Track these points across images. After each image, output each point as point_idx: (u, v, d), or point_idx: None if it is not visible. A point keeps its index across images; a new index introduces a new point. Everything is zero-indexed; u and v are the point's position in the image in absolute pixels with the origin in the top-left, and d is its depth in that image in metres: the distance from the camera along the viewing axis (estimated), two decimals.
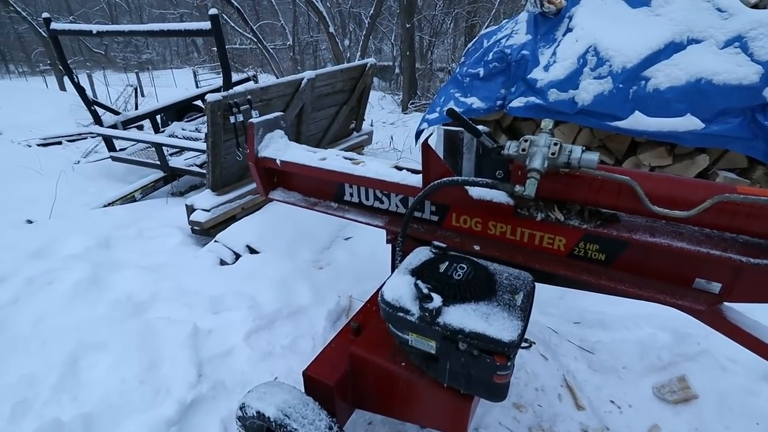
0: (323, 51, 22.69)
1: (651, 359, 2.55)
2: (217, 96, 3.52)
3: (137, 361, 2.46)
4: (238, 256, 3.52)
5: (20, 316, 2.82)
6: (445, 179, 1.90)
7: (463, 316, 1.48)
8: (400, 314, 1.57)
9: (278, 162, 2.56)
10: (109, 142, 5.42)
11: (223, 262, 3.51)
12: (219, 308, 3.02)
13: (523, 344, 1.74)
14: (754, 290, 1.69)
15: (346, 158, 2.51)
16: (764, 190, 1.62)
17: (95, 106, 5.33)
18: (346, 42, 14.20)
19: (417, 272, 1.71)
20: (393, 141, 7.50)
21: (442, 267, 1.68)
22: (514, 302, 1.56)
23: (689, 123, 3.54)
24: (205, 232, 3.80)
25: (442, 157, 2.15)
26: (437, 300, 1.50)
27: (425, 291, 1.51)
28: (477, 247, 2.10)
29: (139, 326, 2.74)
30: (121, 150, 5.53)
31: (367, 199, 2.49)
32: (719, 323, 1.79)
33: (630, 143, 4.17)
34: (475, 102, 4.52)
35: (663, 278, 1.82)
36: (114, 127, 5.44)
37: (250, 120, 2.54)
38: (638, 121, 3.68)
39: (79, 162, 5.78)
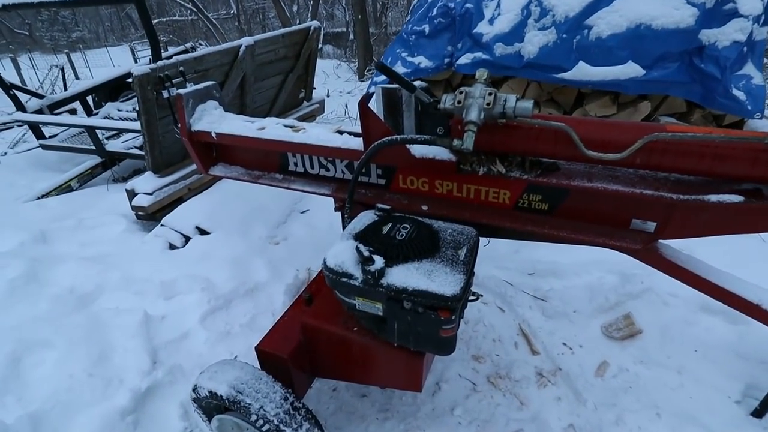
0: (272, 19, 21.60)
1: (599, 301, 2.66)
2: (145, 68, 3.26)
3: (85, 355, 2.35)
4: (187, 239, 3.38)
5: None
6: (384, 139, 1.85)
7: (406, 276, 1.46)
8: (344, 279, 1.53)
9: (214, 135, 2.42)
10: (36, 129, 4.99)
11: (172, 246, 3.36)
12: (171, 293, 2.91)
13: (471, 297, 1.76)
14: (685, 226, 1.75)
15: (286, 126, 2.40)
16: (692, 127, 1.65)
17: (14, 90, 4.85)
18: (294, 8, 13.53)
19: (360, 236, 1.67)
20: (348, 109, 7.32)
21: (385, 229, 1.65)
22: (457, 257, 1.55)
23: (631, 70, 3.60)
24: (151, 216, 3.61)
25: (383, 117, 2.08)
26: (379, 262, 1.47)
27: (366, 254, 1.47)
28: (425, 207, 2.08)
29: (85, 319, 2.60)
30: (51, 137, 5.12)
31: (312, 167, 2.40)
32: (655, 260, 1.86)
33: (577, 95, 4.23)
34: (422, 61, 4.42)
35: (602, 222, 1.87)
36: (40, 112, 4.99)
37: (177, 91, 2.37)
38: (582, 72, 3.71)
39: (5, 153, 5.32)
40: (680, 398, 2.13)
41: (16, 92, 4.88)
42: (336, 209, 2.36)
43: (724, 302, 1.85)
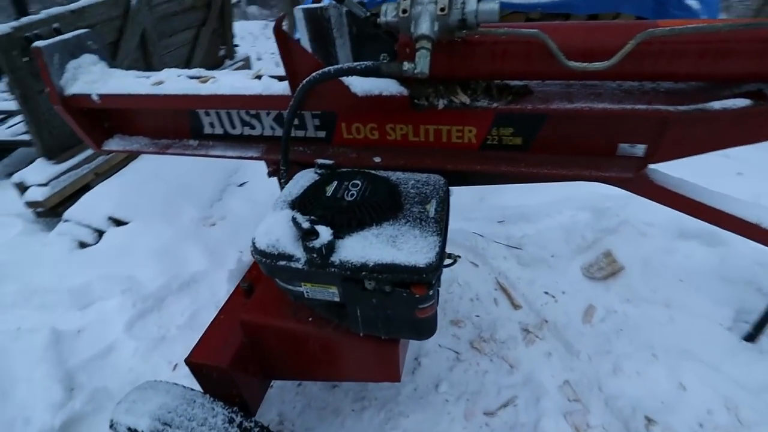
0: None
1: (576, 241, 2.46)
2: (5, 28, 2.56)
3: None
4: (101, 233, 2.82)
5: None
6: (314, 74, 1.43)
7: (363, 247, 1.10)
8: (282, 263, 1.15)
9: (96, 97, 1.88)
10: None
11: (83, 245, 2.79)
12: (86, 301, 2.41)
13: (447, 261, 1.44)
14: (680, 144, 1.50)
15: (191, 78, 1.89)
16: (685, 20, 1.35)
17: None
18: None
19: (298, 204, 1.27)
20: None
21: (329, 189, 1.27)
22: (426, 214, 1.20)
23: None
24: (52, 212, 2.99)
25: (309, 49, 1.64)
26: (325, 233, 1.10)
27: (306, 225, 1.09)
28: (377, 159, 1.71)
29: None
30: None
31: (233, 126, 1.94)
32: (647, 189, 1.61)
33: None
34: None
35: (584, 152, 1.59)
36: None
37: (33, 44, 1.78)
38: None
39: None
40: (673, 333, 1.98)
41: None
42: (270, 174, 1.94)
43: (722, 226, 1.64)
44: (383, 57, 1.39)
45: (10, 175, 3.94)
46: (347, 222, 1.16)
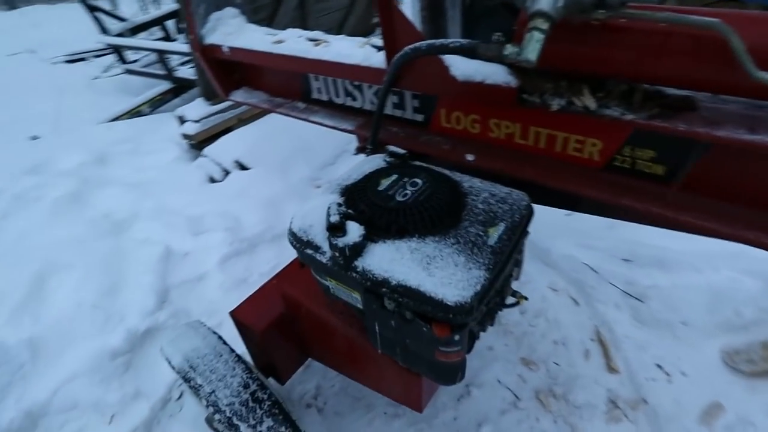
0: None
1: (726, 314, 1.85)
2: None
3: (98, 285, 2.24)
4: (227, 173, 3.13)
5: (3, 233, 2.72)
6: (406, 49, 1.25)
7: (392, 260, 0.93)
8: (309, 251, 1.05)
9: (226, 49, 1.99)
10: (119, 53, 5.08)
11: (212, 180, 3.15)
12: (199, 229, 2.71)
13: (509, 301, 1.17)
14: None
15: (309, 40, 1.87)
16: None
17: (98, 13, 4.92)
18: None
19: (349, 190, 1.14)
20: None
21: (385, 183, 1.10)
22: (484, 240, 0.96)
23: None
24: (198, 146, 3.43)
25: (419, 22, 1.45)
26: (354, 233, 0.95)
27: (333, 219, 0.96)
28: (470, 157, 1.47)
29: (110, 247, 2.51)
30: (132, 62, 5.20)
31: (337, 95, 1.88)
32: None
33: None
34: None
35: (762, 205, 1.13)
36: (121, 35, 5.05)
37: None
38: None
39: (98, 77, 5.58)
40: None
41: (101, 15, 4.95)
42: (356, 151, 1.85)
43: None
44: (497, 37, 1.13)
45: None
46: (386, 225, 0.99)
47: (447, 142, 1.56)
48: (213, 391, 1.29)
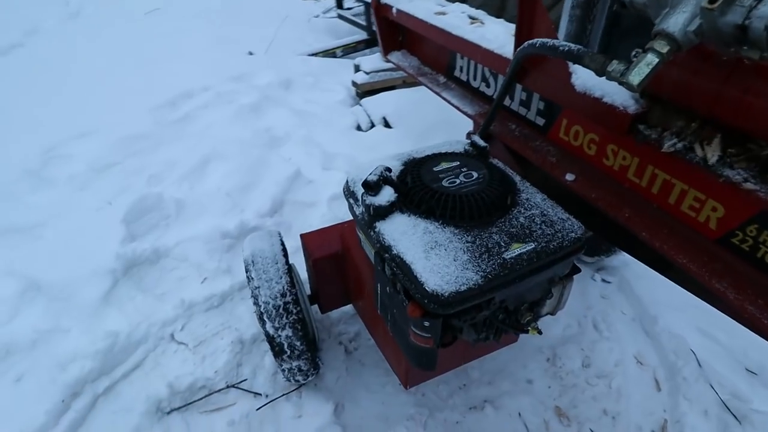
0: None
1: None
2: None
3: (238, 180, 2.75)
4: (372, 125, 3.39)
5: (199, 119, 3.49)
6: (525, 44, 1.20)
7: (404, 232, 0.98)
8: (351, 201, 1.16)
9: (394, 11, 2.13)
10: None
11: (359, 127, 3.45)
12: (329, 165, 3.04)
13: (532, 325, 1.10)
14: None
15: (470, 17, 1.89)
16: None
17: None
18: None
19: (409, 162, 1.20)
20: None
21: (445, 166, 1.13)
22: (501, 251, 0.93)
23: None
24: (362, 95, 3.76)
25: (567, 18, 1.36)
26: (384, 197, 1.02)
27: (371, 178, 1.03)
28: (570, 177, 1.37)
29: (259, 155, 3.01)
30: (347, 9, 5.80)
31: (475, 78, 1.88)
32: None
33: None
34: None
35: None
36: None
37: None
38: None
39: (318, 16, 6.40)
40: None
41: None
42: (467, 136, 1.83)
43: None
44: (635, 53, 1.02)
45: None
46: (417, 202, 1.03)
47: (556, 155, 1.46)
48: (258, 287, 1.53)
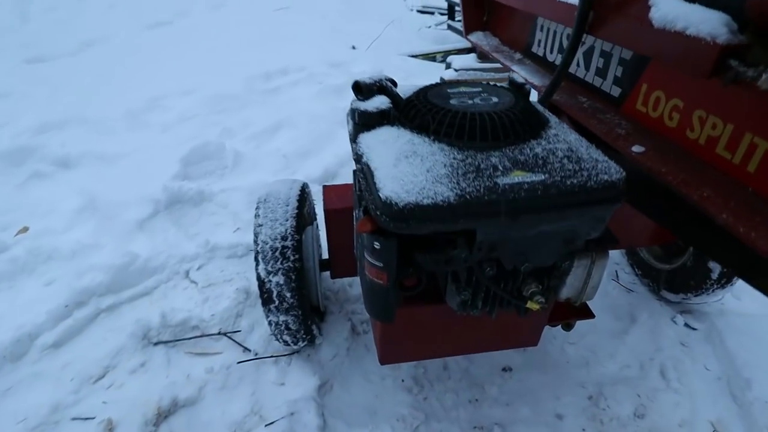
0: None
1: None
2: None
3: (299, 146, 2.76)
4: None
5: (287, 94, 3.62)
6: None
7: (383, 141, 0.79)
8: (349, 118, 0.99)
9: None
10: (451, 10, 5.69)
11: None
12: None
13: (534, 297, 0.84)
14: None
15: None
16: None
17: None
18: None
19: (430, 86, 1.00)
20: None
21: (464, 90, 0.92)
22: (495, 174, 0.69)
23: None
24: None
25: None
26: (374, 103, 0.85)
27: (365, 81, 0.87)
28: (638, 149, 1.06)
29: (328, 130, 3.00)
30: (458, 21, 5.73)
31: (552, 51, 1.63)
32: None
33: None
34: None
35: None
36: None
37: None
38: None
39: (429, 27, 6.42)
40: None
41: None
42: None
43: None
44: None
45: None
46: (411, 115, 0.83)
47: (626, 128, 1.16)
48: (261, 225, 1.43)
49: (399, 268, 0.72)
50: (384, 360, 1.08)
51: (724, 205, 0.83)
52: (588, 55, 1.38)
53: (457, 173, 0.69)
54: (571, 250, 0.76)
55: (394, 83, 0.91)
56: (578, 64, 1.44)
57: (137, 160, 2.57)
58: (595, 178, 0.71)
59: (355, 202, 0.96)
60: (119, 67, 4.21)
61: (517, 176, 0.69)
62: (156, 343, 1.65)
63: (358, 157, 0.79)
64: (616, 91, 1.26)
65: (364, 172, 0.74)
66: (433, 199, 0.64)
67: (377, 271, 0.72)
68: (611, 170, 0.74)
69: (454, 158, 0.72)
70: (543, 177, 0.69)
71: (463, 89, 0.92)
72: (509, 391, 1.53)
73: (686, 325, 1.75)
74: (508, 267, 0.76)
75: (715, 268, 1.64)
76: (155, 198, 2.17)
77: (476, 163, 0.71)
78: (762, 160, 0.83)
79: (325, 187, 1.57)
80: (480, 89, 0.92)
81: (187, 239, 2.08)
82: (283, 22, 5.97)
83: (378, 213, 0.66)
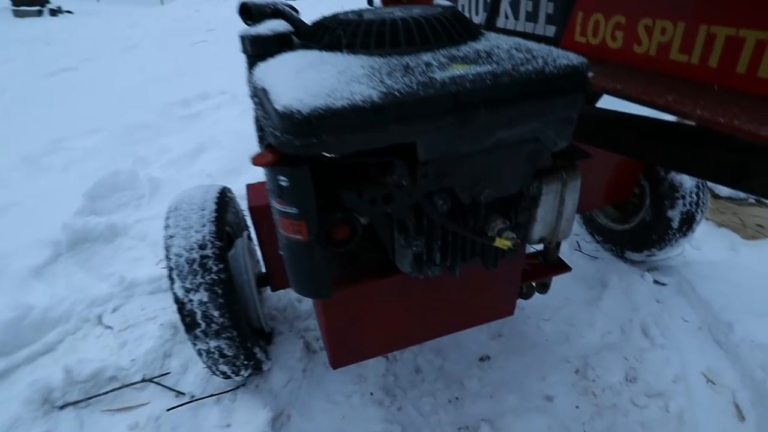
0: None
1: None
2: None
3: (224, 165, 2.51)
4: None
5: (209, 117, 3.37)
6: None
7: (283, 62, 0.62)
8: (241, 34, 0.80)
9: None
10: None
11: None
12: None
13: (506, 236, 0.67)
14: None
15: None
16: None
17: None
18: None
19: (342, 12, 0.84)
20: None
21: (389, 9, 0.76)
22: (430, 70, 0.53)
23: None
24: None
25: None
26: (268, 26, 0.66)
27: (255, 2, 0.69)
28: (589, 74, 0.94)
29: (254, 145, 2.78)
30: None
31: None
32: None
33: None
34: None
35: None
36: None
37: None
38: None
39: None
40: None
41: None
42: None
43: None
44: None
45: None
46: (320, 35, 0.66)
47: None
48: (172, 236, 1.18)
49: (321, 213, 0.53)
50: (336, 362, 0.86)
51: (693, 105, 0.73)
52: (515, 5, 1.30)
53: (380, 72, 0.52)
54: (538, 168, 0.61)
55: (295, 10, 0.74)
56: (506, 16, 1.36)
57: (30, 205, 2.20)
58: (552, 64, 0.57)
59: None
60: (13, 116, 3.76)
61: (458, 69, 0.53)
62: (62, 407, 1.32)
63: (254, 91, 0.61)
64: (550, 31, 1.18)
65: (260, 98, 0.56)
66: (349, 99, 0.46)
67: (292, 222, 0.53)
68: (569, 56, 0.61)
69: (374, 62, 0.55)
70: (490, 67, 0.54)
71: (381, 9, 0.76)
72: (491, 382, 1.35)
73: (656, 281, 1.68)
74: (465, 200, 0.59)
75: (675, 216, 1.59)
76: (54, 239, 1.84)
77: (403, 62, 0.55)
78: (724, 49, 0.73)
79: (248, 185, 1.36)
80: (400, 7, 0.77)
81: (98, 280, 1.75)
82: (201, 56, 5.73)
83: (278, 134, 0.47)
